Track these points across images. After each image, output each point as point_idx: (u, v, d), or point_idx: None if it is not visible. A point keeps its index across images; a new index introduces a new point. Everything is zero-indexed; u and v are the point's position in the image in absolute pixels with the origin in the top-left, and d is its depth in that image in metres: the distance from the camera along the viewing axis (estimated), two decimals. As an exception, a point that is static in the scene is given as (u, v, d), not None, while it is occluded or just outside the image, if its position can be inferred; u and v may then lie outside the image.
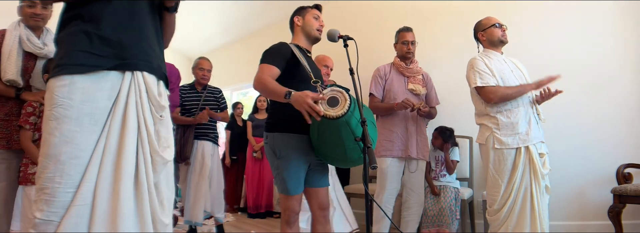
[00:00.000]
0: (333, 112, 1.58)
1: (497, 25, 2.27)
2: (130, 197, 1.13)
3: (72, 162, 1.07)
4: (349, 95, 1.62)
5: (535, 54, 3.04)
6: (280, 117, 1.82)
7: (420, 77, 2.77)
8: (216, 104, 3.33)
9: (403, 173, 2.69)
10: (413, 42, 2.74)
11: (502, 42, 2.29)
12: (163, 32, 1.40)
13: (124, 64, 1.18)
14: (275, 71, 1.74)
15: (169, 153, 1.28)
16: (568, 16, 3.09)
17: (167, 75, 1.36)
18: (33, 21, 2.07)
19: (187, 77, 5.32)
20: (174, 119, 2.88)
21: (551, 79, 2.09)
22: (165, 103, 1.31)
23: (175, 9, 1.37)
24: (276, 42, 1.87)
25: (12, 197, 2.06)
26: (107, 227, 1.09)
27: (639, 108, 2.83)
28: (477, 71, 2.20)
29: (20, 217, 2.01)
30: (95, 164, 1.11)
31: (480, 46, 2.39)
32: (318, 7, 2.01)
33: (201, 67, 3.28)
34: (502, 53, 2.33)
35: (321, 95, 1.58)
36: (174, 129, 2.93)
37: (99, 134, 1.13)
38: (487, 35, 2.30)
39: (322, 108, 1.57)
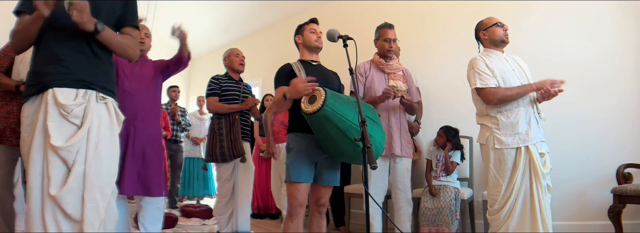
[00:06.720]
0: (310, 108, 1.74)
1: (498, 24, 2.26)
2: (38, 187, 1.35)
3: None
4: (325, 90, 1.77)
5: (535, 54, 3.03)
6: (293, 120, 2.07)
7: (401, 73, 2.70)
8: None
9: (390, 173, 2.61)
10: (394, 40, 2.62)
11: (504, 42, 2.28)
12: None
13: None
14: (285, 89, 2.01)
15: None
16: (568, 16, 3.09)
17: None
18: None
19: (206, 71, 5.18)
20: (216, 108, 2.77)
21: (554, 83, 2.07)
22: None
23: (96, 32, 1.45)
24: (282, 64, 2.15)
25: (7, 191, 2.16)
26: None
27: (639, 108, 2.83)
28: (477, 71, 2.19)
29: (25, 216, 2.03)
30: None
31: (481, 45, 2.39)
32: (314, 21, 2.21)
33: (237, 53, 2.96)
34: (503, 52, 2.32)
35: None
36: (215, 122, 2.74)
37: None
38: (489, 34, 2.28)
39: (303, 106, 1.78)
